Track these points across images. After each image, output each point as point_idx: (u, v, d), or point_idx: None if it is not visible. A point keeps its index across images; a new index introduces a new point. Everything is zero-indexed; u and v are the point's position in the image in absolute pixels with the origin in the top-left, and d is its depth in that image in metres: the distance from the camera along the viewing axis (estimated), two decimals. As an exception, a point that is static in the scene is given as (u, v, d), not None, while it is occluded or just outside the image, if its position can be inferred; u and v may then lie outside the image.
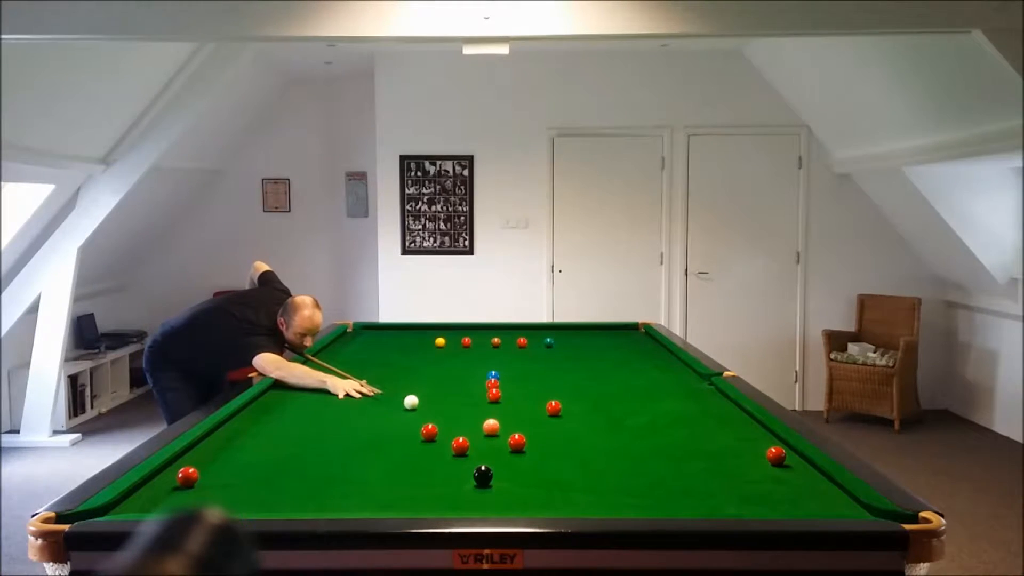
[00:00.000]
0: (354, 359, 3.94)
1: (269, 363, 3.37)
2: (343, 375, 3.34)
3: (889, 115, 5.52)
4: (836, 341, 6.53)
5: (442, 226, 6.92)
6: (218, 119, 6.84)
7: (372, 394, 3.17)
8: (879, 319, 6.59)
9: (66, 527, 1.76)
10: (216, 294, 6.11)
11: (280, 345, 3.60)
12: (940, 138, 5.05)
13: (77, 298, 6.24)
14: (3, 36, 3.54)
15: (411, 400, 2.93)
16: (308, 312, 3.57)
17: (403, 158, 6.87)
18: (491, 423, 2.60)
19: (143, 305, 7.58)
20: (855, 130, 6.20)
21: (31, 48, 4.20)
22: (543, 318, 6.76)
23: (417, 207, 6.91)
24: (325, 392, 3.20)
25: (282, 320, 3.59)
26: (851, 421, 6.46)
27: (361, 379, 3.29)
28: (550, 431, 2.66)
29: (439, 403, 3.03)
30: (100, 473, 2.11)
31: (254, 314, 3.60)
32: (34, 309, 5.94)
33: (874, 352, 6.38)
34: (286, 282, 4.00)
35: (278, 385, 3.28)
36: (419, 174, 6.88)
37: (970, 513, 4.49)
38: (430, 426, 2.54)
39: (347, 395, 3.15)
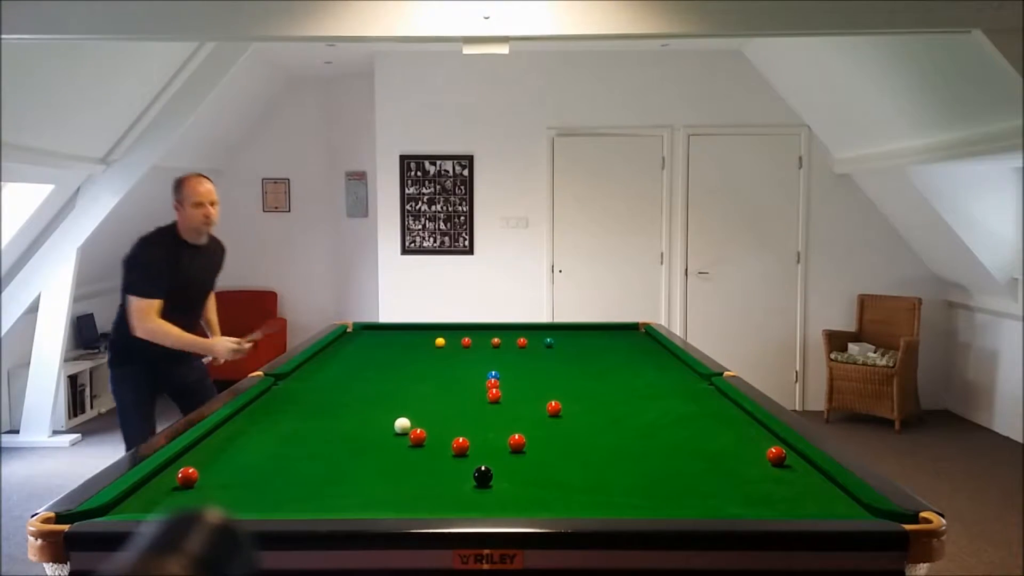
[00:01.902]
0: (354, 359, 3.94)
1: (139, 313, 3.28)
2: (235, 341, 3.45)
3: (889, 115, 5.52)
4: (836, 341, 6.53)
5: (442, 226, 6.92)
6: (218, 119, 6.83)
7: (248, 346, 3.39)
8: (879, 319, 6.58)
9: (66, 527, 1.76)
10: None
11: (175, 252, 3.41)
12: (940, 138, 5.05)
13: (77, 298, 6.24)
14: (3, 36, 3.54)
15: (402, 423, 2.61)
16: (193, 180, 3.42)
17: (403, 158, 6.87)
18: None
19: (143, 305, 7.56)
20: (855, 130, 6.19)
21: (31, 48, 4.20)
22: (543, 318, 6.76)
23: (417, 207, 6.91)
24: (212, 357, 3.44)
25: (176, 204, 3.43)
26: (851, 421, 6.46)
27: (249, 340, 3.47)
28: (550, 431, 2.66)
29: (439, 403, 3.02)
30: (100, 473, 2.11)
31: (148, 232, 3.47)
32: (34, 309, 5.94)
33: (874, 352, 6.38)
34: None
35: (277, 386, 3.27)
36: (419, 174, 6.88)
37: (970, 513, 4.49)
38: (418, 431, 2.49)
39: (228, 356, 3.40)
